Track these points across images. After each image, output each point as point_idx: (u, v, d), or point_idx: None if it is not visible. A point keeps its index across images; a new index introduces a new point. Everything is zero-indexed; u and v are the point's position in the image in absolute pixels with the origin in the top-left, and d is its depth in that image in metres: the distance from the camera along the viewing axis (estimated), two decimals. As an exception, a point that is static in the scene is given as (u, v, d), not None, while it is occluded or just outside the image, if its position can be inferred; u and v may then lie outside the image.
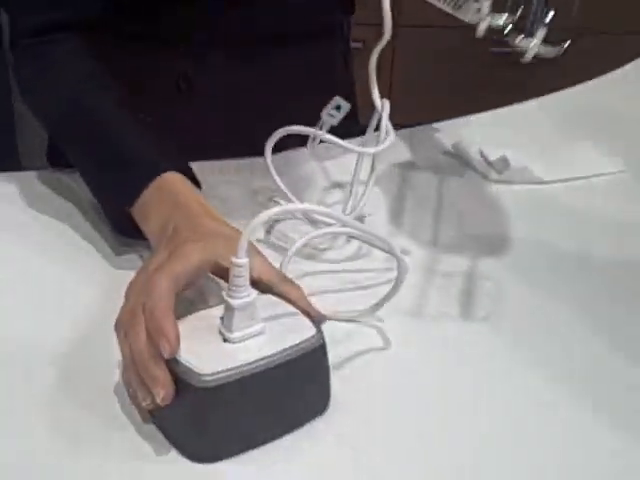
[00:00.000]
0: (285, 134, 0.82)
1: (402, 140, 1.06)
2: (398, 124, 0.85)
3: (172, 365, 0.59)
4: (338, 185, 0.96)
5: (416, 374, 0.69)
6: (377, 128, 0.83)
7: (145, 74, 0.91)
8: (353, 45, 1.20)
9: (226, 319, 0.60)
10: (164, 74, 1.00)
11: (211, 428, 0.60)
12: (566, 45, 0.74)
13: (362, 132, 0.89)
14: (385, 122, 0.83)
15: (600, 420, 0.65)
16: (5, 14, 0.92)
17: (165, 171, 0.75)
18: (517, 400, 0.67)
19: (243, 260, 0.59)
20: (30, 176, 0.95)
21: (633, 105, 1.17)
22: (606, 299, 0.79)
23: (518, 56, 0.74)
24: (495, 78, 2.49)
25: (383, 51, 0.78)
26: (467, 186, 0.98)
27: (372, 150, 0.82)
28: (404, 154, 1.04)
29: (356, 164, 0.88)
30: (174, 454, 0.60)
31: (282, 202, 0.85)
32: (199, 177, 0.78)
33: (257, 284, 0.63)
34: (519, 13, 0.73)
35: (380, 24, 0.76)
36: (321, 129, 0.82)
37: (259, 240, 0.84)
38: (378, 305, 0.72)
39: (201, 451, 0.60)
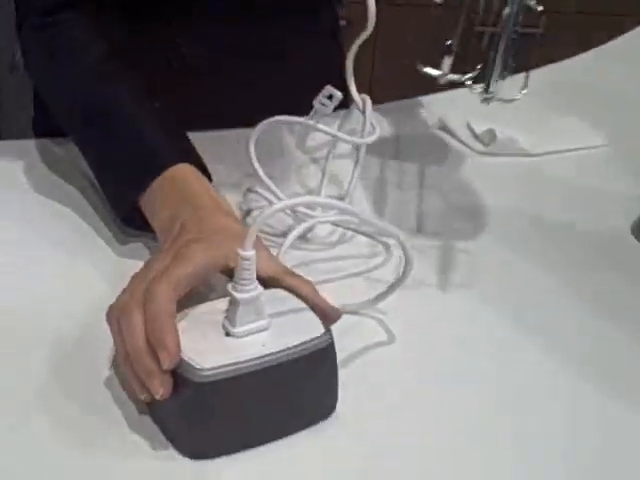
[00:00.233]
0: (276, 124, 0.81)
1: (387, 115, 1.06)
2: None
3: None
4: (315, 166, 0.94)
5: (422, 367, 0.68)
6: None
7: (144, 51, 0.87)
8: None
9: (230, 313, 0.58)
10: (161, 50, 0.96)
11: (208, 424, 0.57)
12: (524, 92, 0.81)
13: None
14: (369, 120, 0.83)
15: (586, 381, 0.67)
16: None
17: (177, 162, 0.73)
18: (531, 379, 0.67)
19: (250, 253, 0.56)
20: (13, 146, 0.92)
21: (616, 81, 1.20)
22: (590, 268, 0.81)
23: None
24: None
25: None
26: (454, 159, 0.99)
27: (363, 141, 0.83)
28: (390, 129, 1.03)
29: (357, 158, 0.86)
30: (169, 450, 0.58)
31: (261, 191, 0.81)
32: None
33: (264, 280, 0.61)
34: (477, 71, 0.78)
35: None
36: (312, 118, 0.81)
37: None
38: (381, 296, 0.71)
39: (197, 447, 0.58)
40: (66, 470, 0.57)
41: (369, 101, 0.84)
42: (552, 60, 1.23)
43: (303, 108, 0.83)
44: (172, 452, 0.58)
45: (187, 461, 0.58)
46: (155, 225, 0.72)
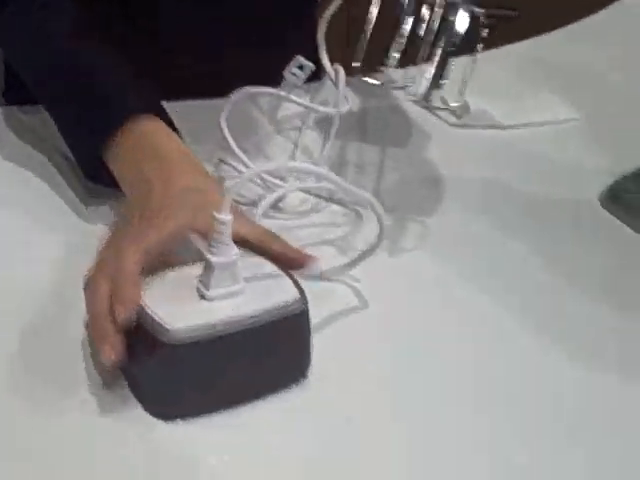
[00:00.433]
0: (247, 95, 0.80)
1: (361, 87, 1.03)
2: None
3: (141, 319, 0.56)
4: (287, 138, 0.93)
5: (394, 334, 0.68)
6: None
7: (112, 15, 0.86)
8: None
9: (204, 276, 0.58)
10: (129, 13, 0.94)
11: (179, 386, 0.57)
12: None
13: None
14: (342, 91, 0.82)
15: (553, 344, 0.69)
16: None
17: (142, 112, 0.71)
18: (502, 345, 0.68)
19: (226, 217, 0.56)
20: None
21: (587, 58, 1.19)
22: (560, 238, 0.82)
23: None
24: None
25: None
26: (427, 131, 0.98)
27: (336, 111, 0.82)
28: (364, 100, 1.02)
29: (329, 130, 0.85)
30: (140, 412, 0.58)
31: (233, 163, 0.80)
32: None
33: (238, 243, 0.60)
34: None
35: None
36: (283, 89, 0.81)
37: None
38: (354, 263, 0.71)
39: (168, 409, 0.58)
40: (34, 434, 0.56)
41: (342, 71, 0.83)
42: (525, 37, 1.23)
43: (277, 79, 0.83)
44: (143, 414, 0.58)
45: (158, 423, 0.57)
46: (117, 175, 0.70)
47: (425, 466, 0.58)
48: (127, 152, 0.70)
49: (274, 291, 0.59)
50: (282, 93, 0.81)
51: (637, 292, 0.76)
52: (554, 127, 1.02)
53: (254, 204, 0.76)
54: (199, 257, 0.59)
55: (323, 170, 0.72)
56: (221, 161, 0.81)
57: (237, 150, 0.80)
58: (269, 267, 0.61)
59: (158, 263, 0.60)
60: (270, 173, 0.77)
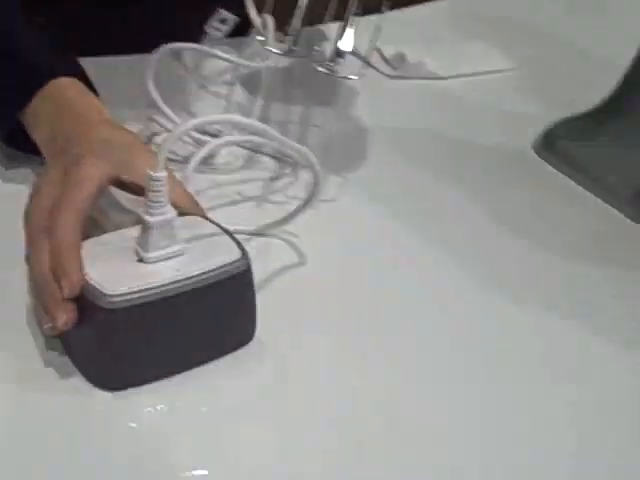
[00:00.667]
0: (170, 51, 0.78)
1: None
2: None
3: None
4: (214, 94, 0.91)
5: (336, 287, 0.67)
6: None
7: None
8: None
9: (142, 238, 0.55)
10: None
11: (121, 354, 0.55)
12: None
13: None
14: (271, 42, 0.79)
15: (488, 292, 0.69)
16: None
17: (59, 75, 0.69)
18: (445, 291, 0.69)
19: (162, 174, 0.54)
20: None
21: (527, 12, 1.22)
22: (494, 184, 0.83)
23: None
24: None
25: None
26: (363, 82, 0.95)
27: (263, 65, 0.80)
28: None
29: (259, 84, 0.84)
30: (81, 381, 0.56)
31: (161, 121, 0.78)
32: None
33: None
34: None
35: None
36: (205, 44, 0.79)
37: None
38: (290, 217, 0.69)
39: (110, 378, 0.56)
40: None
41: (271, 21, 0.81)
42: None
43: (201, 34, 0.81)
44: (84, 383, 0.56)
45: (100, 393, 0.55)
46: (37, 139, 0.68)
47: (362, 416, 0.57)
48: (46, 115, 0.68)
49: (215, 251, 0.57)
50: (205, 48, 0.79)
51: (558, 232, 0.77)
52: (492, 76, 1.03)
53: (186, 161, 0.73)
54: (121, 216, 0.57)
55: (258, 123, 0.70)
56: (150, 119, 0.79)
57: (165, 108, 0.78)
58: (208, 226, 0.59)
59: (88, 220, 0.58)
60: (201, 128, 0.75)
